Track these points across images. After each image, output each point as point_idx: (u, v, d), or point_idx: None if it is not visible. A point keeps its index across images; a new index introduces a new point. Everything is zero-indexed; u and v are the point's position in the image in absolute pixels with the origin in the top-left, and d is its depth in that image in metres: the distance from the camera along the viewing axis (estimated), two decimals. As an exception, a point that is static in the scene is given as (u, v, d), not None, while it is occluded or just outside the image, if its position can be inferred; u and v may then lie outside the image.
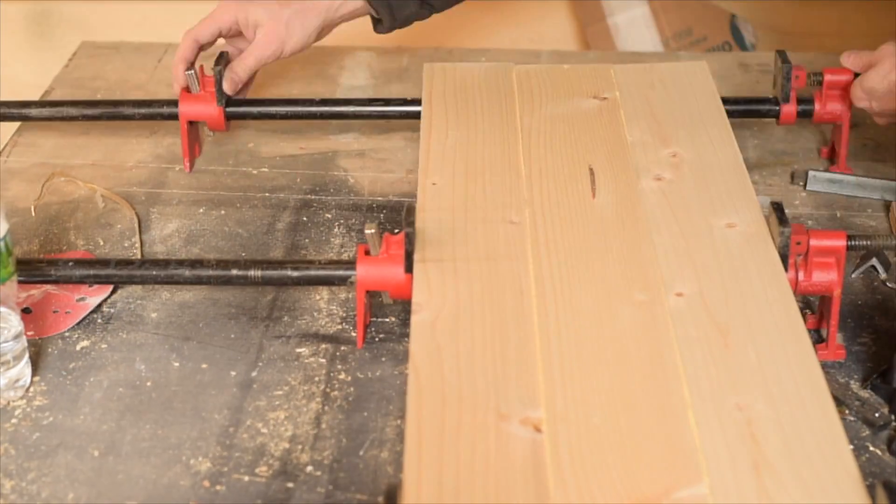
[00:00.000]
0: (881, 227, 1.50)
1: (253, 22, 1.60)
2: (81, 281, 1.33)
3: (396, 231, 1.30)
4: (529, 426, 1.06)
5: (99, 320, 1.35)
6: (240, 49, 1.64)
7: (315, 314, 1.36)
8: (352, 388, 1.26)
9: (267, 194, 1.58)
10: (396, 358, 1.29)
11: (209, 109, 1.60)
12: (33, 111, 1.65)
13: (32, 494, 1.13)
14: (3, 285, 1.20)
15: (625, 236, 1.31)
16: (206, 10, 1.63)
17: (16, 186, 1.60)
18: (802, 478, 1.01)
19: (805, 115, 1.59)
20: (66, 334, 1.33)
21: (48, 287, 1.36)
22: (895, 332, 1.32)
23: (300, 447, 1.18)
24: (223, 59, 1.60)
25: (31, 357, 1.26)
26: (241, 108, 1.63)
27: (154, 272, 1.32)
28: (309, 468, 1.16)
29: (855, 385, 1.26)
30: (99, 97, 1.81)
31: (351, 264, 1.29)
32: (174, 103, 1.61)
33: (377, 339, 1.32)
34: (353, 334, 1.32)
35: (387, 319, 1.35)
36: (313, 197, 1.58)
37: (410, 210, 1.28)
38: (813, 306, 1.35)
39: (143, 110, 1.63)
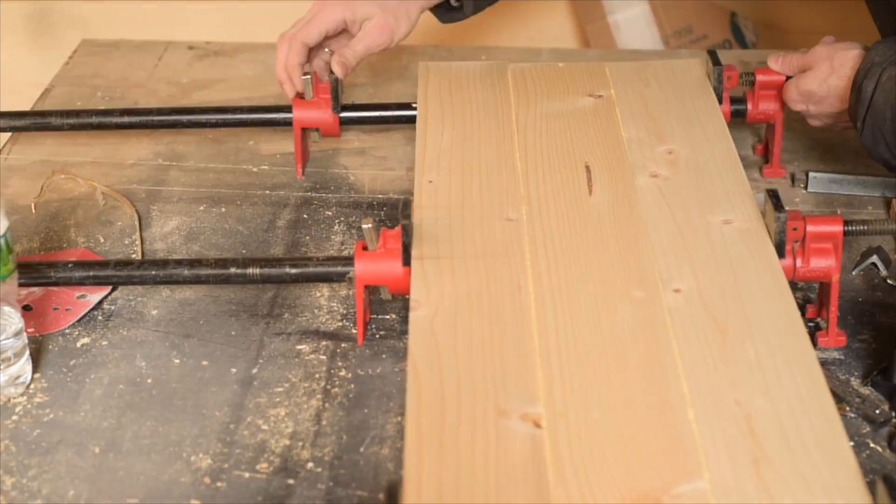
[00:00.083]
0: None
1: (361, 17, 1.61)
2: (81, 283, 1.33)
3: (394, 226, 1.30)
4: (529, 422, 1.07)
5: (99, 317, 1.35)
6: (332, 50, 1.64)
7: (316, 311, 1.36)
8: (352, 385, 1.26)
9: (267, 192, 1.59)
10: (397, 355, 1.29)
11: (324, 116, 1.59)
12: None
13: (33, 491, 1.14)
14: (3, 282, 1.20)
15: (622, 233, 1.31)
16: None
17: (16, 184, 1.60)
18: (802, 473, 1.01)
19: (738, 115, 1.58)
20: (67, 331, 1.33)
21: (49, 284, 1.37)
22: (895, 328, 1.33)
23: (301, 444, 1.18)
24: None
25: (31, 354, 1.26)
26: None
27: (153, 272, 1.32)
28: (309, 465, 1.16)
29: (855, 382, 1.26)
30: (99, 95, 1.81)
31: (349, 260, 1.29)
32: (287, 109, 1.59)
33: (378, 336, 1.32)
34: (354, 331, 1.33)
35: (387, 316, 1.35)
36: (314, 194, 1.58)
37: (407, 203, 1.29)
38: (812, 300, 1.35)
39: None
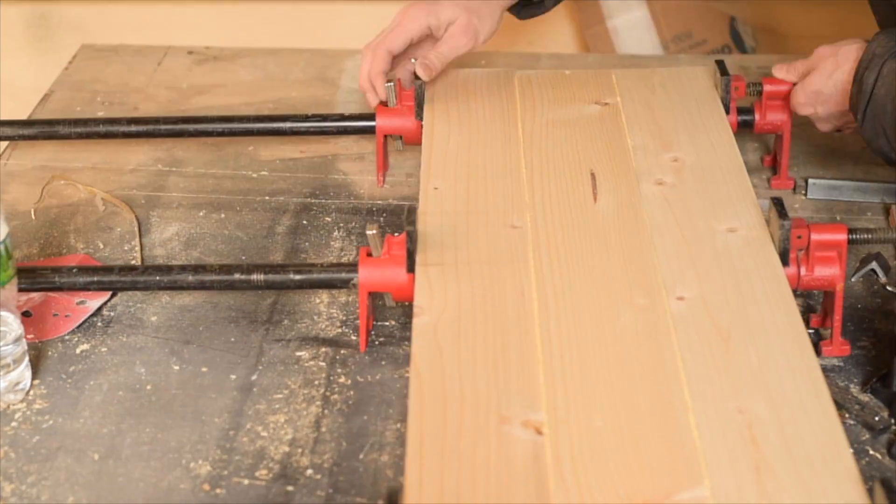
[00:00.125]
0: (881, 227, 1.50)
1: (446, 21, 1.59)
2: (85, 288, 1.33)
3: (397, 233, 1.30)
4: (531, 429, 1.06)
5: (99, 324, 1.35)
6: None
7: (315, 318, 1.36)
8: (352, 392, 1.25)
9: (267, 198, 1.58)
10: (396, 361, 1.29)
11: (407, 123, 1.57)
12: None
13: (32, 498, 1.13)
14: (3, 288, 1.20)
15: (626, 240, 1.31)
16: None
17: (16, 189, 1.60)
18: (803, 480, 1.01)
19: (745, 125, 1.57)
20: (66, 338, 1.33)
21: (48, 290, 1.36)
22: (895, 335, 1.32)
23: (300, 451, 1.18)
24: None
25: (30, 360, 1.26)
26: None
27: (157, 277, 1.31)
28: (309, 472, 1.16)
29: (855, 389, 1.26)
30: (99, 100, 1.81)
31: (353, 266, 1.29)
32: (370, 117, 1.58)
33: (377, 343, 1.32)
34: (353, 338, 1.32)
35: (386, 323, 1.34)
36: (313, 200, 1.58)
37: (412, 210, 1.29)
38: (815, 309, 1.35)
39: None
